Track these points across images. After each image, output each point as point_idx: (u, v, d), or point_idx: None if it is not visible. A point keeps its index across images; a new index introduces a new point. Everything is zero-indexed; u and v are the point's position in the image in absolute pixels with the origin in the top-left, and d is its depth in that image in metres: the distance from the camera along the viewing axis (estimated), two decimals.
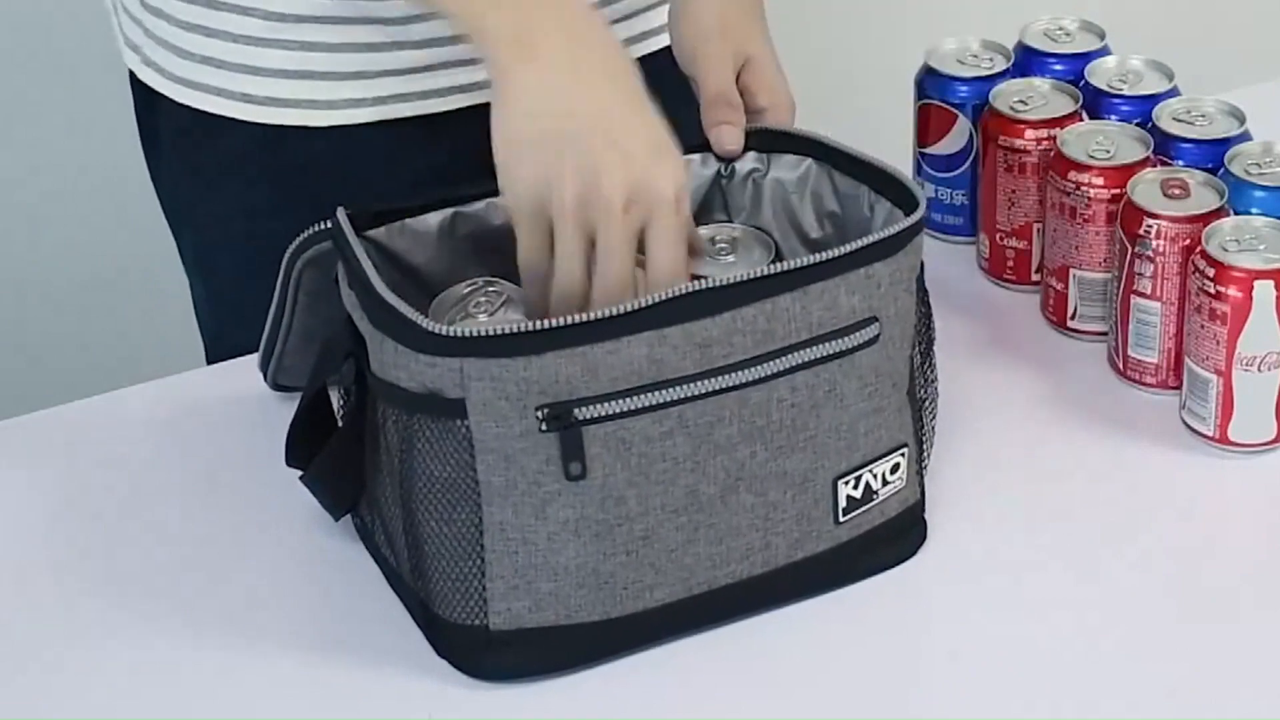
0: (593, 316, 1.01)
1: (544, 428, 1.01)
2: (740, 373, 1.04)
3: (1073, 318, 1.30)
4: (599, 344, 1.01)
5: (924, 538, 1.15)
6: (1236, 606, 1.11)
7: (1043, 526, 1.16)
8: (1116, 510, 1.18)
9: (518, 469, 1.02)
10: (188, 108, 1.32)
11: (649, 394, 1.02)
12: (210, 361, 1.41)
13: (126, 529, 1.17)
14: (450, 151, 1.30)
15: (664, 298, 1.02)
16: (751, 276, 1.04)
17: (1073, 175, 1.27)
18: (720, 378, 1.03)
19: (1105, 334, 1.29)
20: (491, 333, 1.00)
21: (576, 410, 1.01)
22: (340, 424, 1.11)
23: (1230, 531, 1.16)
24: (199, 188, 1.35)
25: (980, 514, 1.17)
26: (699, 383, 1.03)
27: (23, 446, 1.24)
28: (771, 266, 1.05)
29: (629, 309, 1.02)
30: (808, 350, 1.05)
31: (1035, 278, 1.34)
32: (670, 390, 1.03)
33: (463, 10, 1.10)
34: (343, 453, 1.10)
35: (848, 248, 1.06)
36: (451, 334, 1.01)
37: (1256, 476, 1.20)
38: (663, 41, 1.36)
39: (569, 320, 1.01)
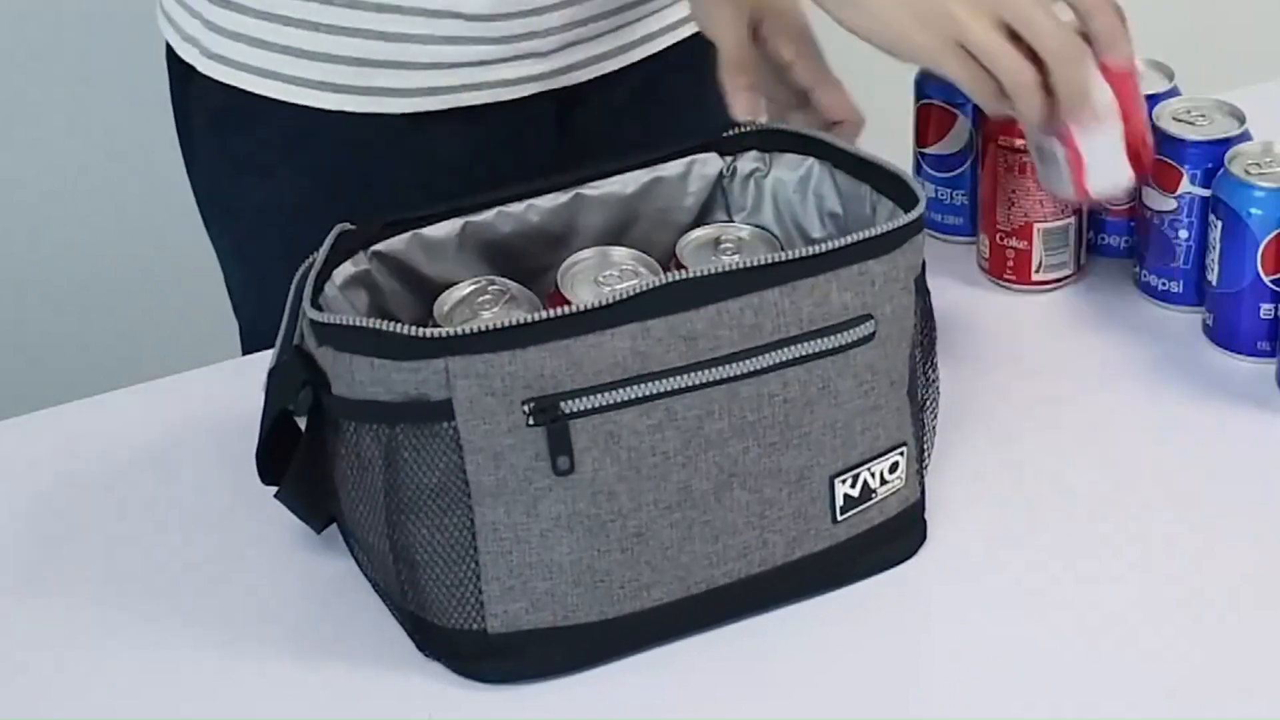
0: (574, 310, 1.01)
1: (531, 422, 1.01)
2: (727, 366, 1.04)
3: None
4: (581, 337, 1.01)
5: (924, 537, 1.14)
6: (1237, 606, 1.11)
7: (1043, 526, 1.16)
8: (1117, 510, 1.18)
9: (507, 466, 1.02)
10: (220, 85, 1.33)
11: (635, 386, 1.02)
12: (245, 346, 1.41)
13: (126, 529, 1.17)
14: (476, 144, 1.33)
15: (645, 289, 1.02)
16: (734, 268, 1.04)
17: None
18: (707, 370, 1.03)
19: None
20: (474, 330, 1.00)
21: (563, 404, 1.01)
22: (301, 441, 1.10)
23: (1230, 531, 1.16)
24: (235, 176, 1.37)
25: (980, 514, 1.17)
26: (685, 375, 1.03)
27: (23, 446, 1.24)
28: (756, 259, 1.05)
29: (610, 301, 1.02)
30: (798, 346, 1.05)
31: (1037, 277, 1.34)
32: (656, 383, 1.03)
33: None
34: (309, 465, 1.09)
35: (836, 243, 1.06)
36: (433, 335, 1.01)
37: (1252, 472, 1.20)
38: (674, 38, 1.36)
39: (551, 314, 1.01)
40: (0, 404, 1.39)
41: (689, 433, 1.04)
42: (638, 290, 1.02)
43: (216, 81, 1.34)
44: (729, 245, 1.17)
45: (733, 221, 1.20)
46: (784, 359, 1.05)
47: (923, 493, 1.15)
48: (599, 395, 1.02)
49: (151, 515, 1.18)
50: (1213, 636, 1.09)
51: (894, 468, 1.11)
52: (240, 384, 1.25)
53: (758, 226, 1.19)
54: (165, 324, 2.06)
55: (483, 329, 1.00)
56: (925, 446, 1.15)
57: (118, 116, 1.99)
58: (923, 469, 1.15)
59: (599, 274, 1.14)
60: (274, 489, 1.11)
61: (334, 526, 1.14)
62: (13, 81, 2.08)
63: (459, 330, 1.00)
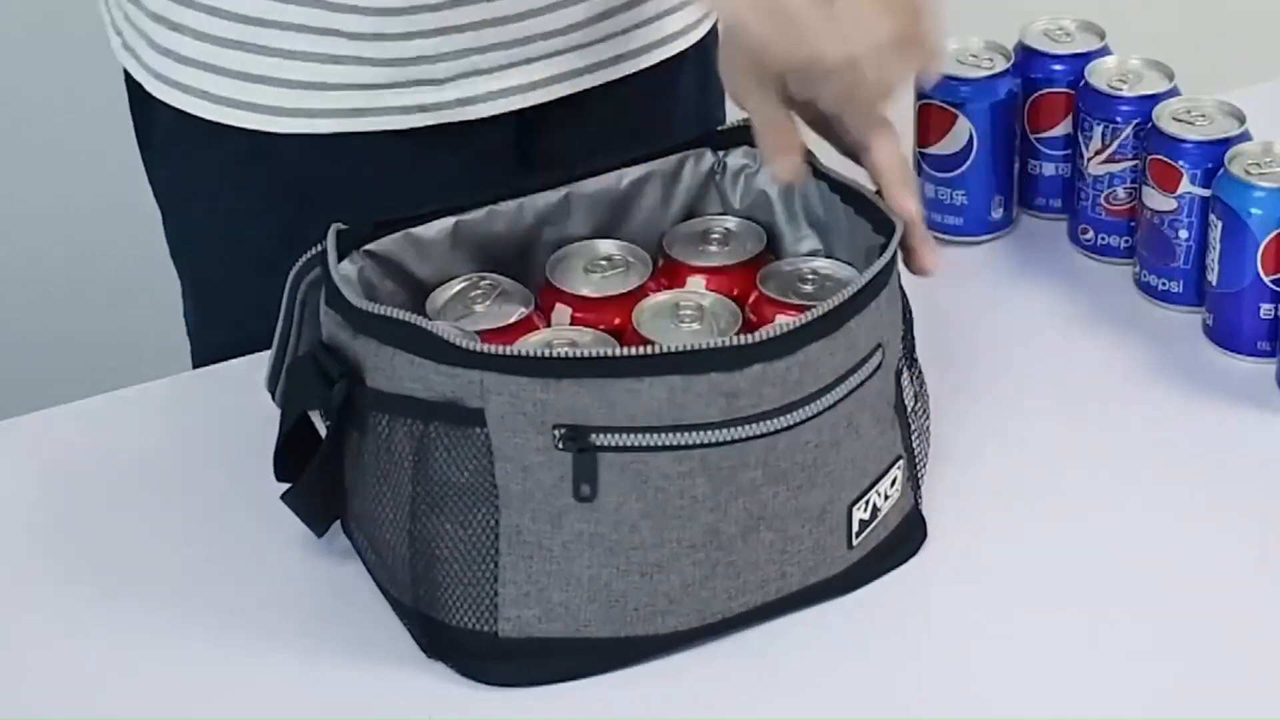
0: (614, 354, 1.00)
1: (560, 446, 1.01)
2: (767, 422, 1.03)
3: None
4: (620, 380, 1.00)
5: (925, 537, 1.14)
6: (1238, 606, 1.11)
7: (1043, 527, 1.16)
8: (1117, 510, 1.18)
9: (534, 480, 1.02)
10: (163, 102, 1.31)
11: (670, 434, 1.01)
12: (195, 356, 1.41)
13: (127, 529, 1.17)
14: (416, 168, 1.29)
15: (691, 348, 1.01)
16: (785, 331, 1.02)
17: None
18: (746, 427, 1.02)
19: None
20: (510, 353, 1.00)
21: (594, 435, 1.01)
22: (324, 440, 1.09)
23: (1231, 531, 1.16)
24: (186, 185, 1.36)
25: (980, 514, 1.17)
26: (724, 430, 1.02)
27: (23, 446, 1.24)
28: (803, 317, 1.03)
29: (654, 352, 1.00)
30: (832, 393, 1.04)
31: None
32: (692, 434, 1.01)
33: None
34: (324, 472, 1.09)
35: (866, 277, 1.05)
36: (471, 348, 1.00)
37: (1252, 471, 1.20)
38: (643, 63, 1.35)
39: (590, 354, 1.00)
40: (0, 404, 1.39)
41: (721, 481, 1.03)
42: (683, 348, 1.01)
43: (157, 98, 1.32)
44: (717, 235, 1.17)
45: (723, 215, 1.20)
46: (821, 408, 1.04)
47: (917, 496, 1.14)
48: (633, 435, 1.01)
49: (152, 516, 1.18)
50: (1213, 636, 1.09)
51: (894, 482, 1.11)
52: (240, 385, 1.25)
53: (746, 218, 1.19)
54: (167, 324, 2.06)
55: (519, 354, 1.00)
56: (919, 451, 1.15)
57: (119, 116, 1.98)
58: (918, 474, 1.14)
59: (588, 262, 1.14)
60: (276, 489, 1.11)
61: (334, 529, 1.14)
62: (13, 80, 2.08)
63: (496, 350, 1.00)
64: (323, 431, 1.11)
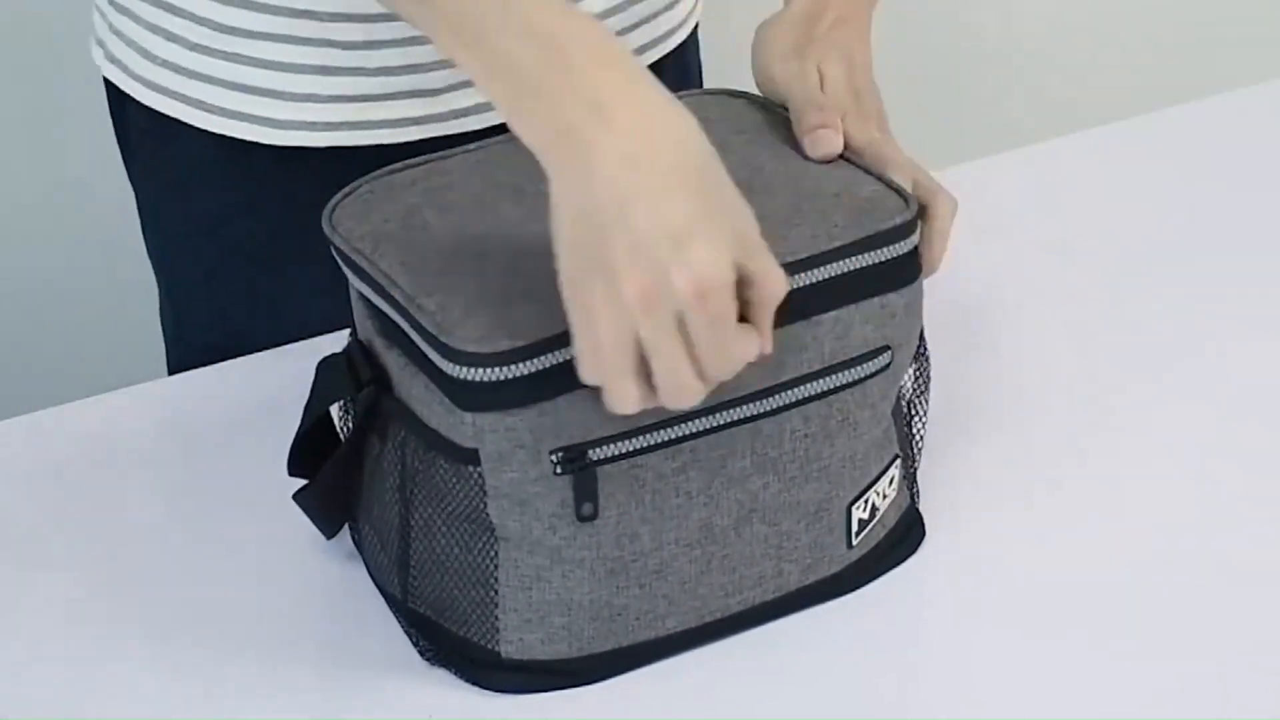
0: None
1: (559, 470, 1.01)
2: (749, 405, 1.03)
3: None
4: None
5: (923, 535, 1.15)
6: (1239, 606, 1.11)
7: (1042, 525, 1.16)
8: (1116, 508, 1.18)
9: (532, 513, 1.02)
10: (151, 109, 1.32)
11: (660, 431, 1.01)
12: (169, 361, 1.41)
13: (126, 531, 1.17)
14: None
15: None
16: None
17: None
18: (730, 411, 1.02)
19: None
20: (501, 379, 0.98)
21: (590, 451, 1.01)
22: (343, 442, 1.10)
23: (1231, 531, 1.16)
24: (163, 188, 1.36)
25: (979, 513, 1.17)
26: (709, 417, 1.02)
27: (23, 446, 1.24)
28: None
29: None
30: (819, 381, 1.04)
31: None
32: (681, 426, 1.01)
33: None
34: (340, 473, 1.09)
35: (847, 268, 1.03)
36: (467, 379, 0.98)
37: (1252, 472, 1.20)
38: (669, 46, 1.35)
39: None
40: (0, 404, 1.39)
41: (712, 472, 1.03)
42: None
43: (143, 104, 1.32)
44: None
45: None
46: (805, 395, 1.04)
47: (914, 494, 1.15)
48: (626, 441, 1.01)
49: (151, 517, 1.18)
50: (1212, 636, 1.09)
51: (891, 481, 1.11)
52: (241, 387, 1.25)
53: None
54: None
55: (508, 378, 0.98)
56: (916, 450, 1.15)
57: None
58: (914, 471, 1.15)
59: None
60: (280, 490, 1.11)
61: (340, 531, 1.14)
62: (13, 77, 2.09)
63: (487, 378, 0.98)
64: (340, 432, 1.11)
